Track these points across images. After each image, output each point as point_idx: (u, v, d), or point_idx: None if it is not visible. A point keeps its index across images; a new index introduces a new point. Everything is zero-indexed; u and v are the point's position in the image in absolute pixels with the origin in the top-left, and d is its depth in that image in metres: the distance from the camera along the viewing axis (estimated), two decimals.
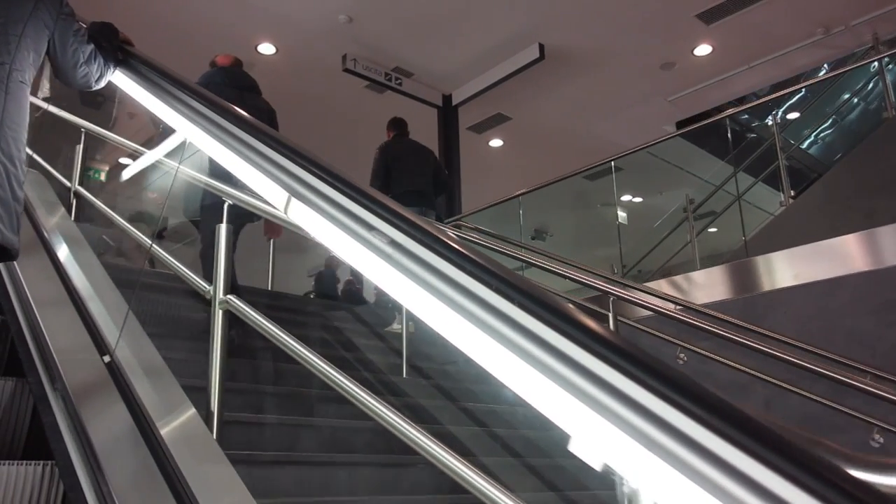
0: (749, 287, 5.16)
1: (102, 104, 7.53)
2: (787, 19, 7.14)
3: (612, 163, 6.84)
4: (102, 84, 2.39)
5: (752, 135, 11.34)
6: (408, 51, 7.58)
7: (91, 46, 2.26)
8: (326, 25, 7.09)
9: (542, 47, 7.21)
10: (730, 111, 6.86)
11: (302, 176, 1.39)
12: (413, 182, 5.47)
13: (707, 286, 5.47)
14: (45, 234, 2.47)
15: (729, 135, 6.99)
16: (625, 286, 5.47)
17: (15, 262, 2.11)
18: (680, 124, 9.67)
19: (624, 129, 9.44)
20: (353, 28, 7.13)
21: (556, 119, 9.09)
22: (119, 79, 2.45)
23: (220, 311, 1.82)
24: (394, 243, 1.11)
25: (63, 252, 2.29)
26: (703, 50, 7.65)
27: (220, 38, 7.28)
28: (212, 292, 1.84)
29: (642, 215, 12.29)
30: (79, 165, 3.38)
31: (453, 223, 7.42)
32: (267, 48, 7.46)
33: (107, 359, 1.88)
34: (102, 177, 7.86)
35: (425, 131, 8.68)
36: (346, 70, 7.36)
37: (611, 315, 3.61)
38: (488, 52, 7.56)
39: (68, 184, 3.39)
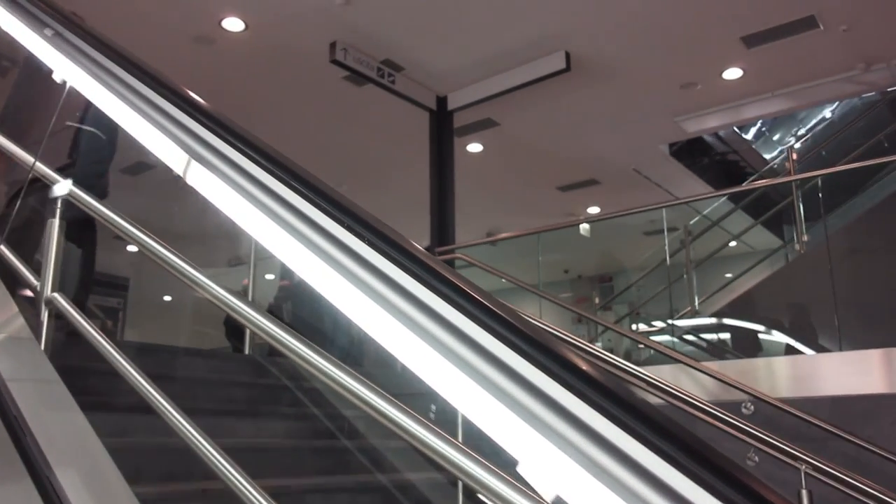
0: (842, 385, 4.42)
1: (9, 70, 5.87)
2: (832, 50, 6.46)
3: (664, 210, 5.93)
4: None
5: (738, 160, 10.83)
6: (403, 40, 6.33)
7: None
8: (314, 4, 5.74)
9: (568, 56, 6.16)
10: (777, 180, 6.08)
11: None
12: None
13: (786, 377, 4.69)
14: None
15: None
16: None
17: None
18: (673, 146, 8.96)
19: (614, 145, 8.63)
20: (347, 10, 5.81)
21: (548, 128, 8.12)
22: None
23: None
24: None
25: None
26: (732, 73, 6.86)
27: (175, 6, 5.78)
28: None
29: (602, 228, 11.62)
30: (54, 248, 2.04)
31: (446, 253, 6.33)
32: (234, 23, 6.00)
33: None
34: None
35: (411, 136, 7.52)
36: (335, 61, 6.03)
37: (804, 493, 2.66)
38: (499, 54, 6.44)
39: (32, 280, 2.06)
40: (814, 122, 10.67)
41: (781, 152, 11.68)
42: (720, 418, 3.51)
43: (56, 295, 1.98)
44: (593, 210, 11.08)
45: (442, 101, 7.00)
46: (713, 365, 4.80)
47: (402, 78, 6.71)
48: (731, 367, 4.80)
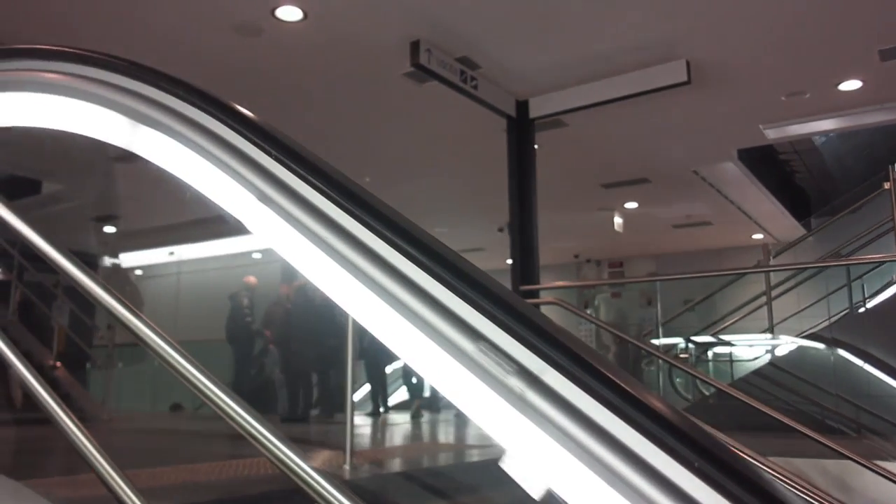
0: None
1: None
2: None
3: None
4: None
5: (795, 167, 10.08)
6: (485, 34, 5.26)
7: None
8: None
9: (688, 66, 5.21)
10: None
11: None
12: None
13: None
14: None
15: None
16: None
17: None
18: (742, 152, 8.11)
19: (683, 147, 7.79)
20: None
21: (617, 130, 7.19)
22: None
23: None
24: None
25: None
26: (850, 85, 6.03)
27: None
28: None
29: (635, 220, 10.84)
30: None
31: (531, 294, 5.40)
32: (290, 13, 4.84)
33: None
34: None
35: (484, 139, 6.53)
36: (417, 65, 4.95)
37: None
38: (598, 57, 5.45)
39: None
40: None
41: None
42: None
43: None
44: (630, 206, 10.24)
45: (522, 106, 5.98)
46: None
47: (480, 79, 5.66)
48: None
